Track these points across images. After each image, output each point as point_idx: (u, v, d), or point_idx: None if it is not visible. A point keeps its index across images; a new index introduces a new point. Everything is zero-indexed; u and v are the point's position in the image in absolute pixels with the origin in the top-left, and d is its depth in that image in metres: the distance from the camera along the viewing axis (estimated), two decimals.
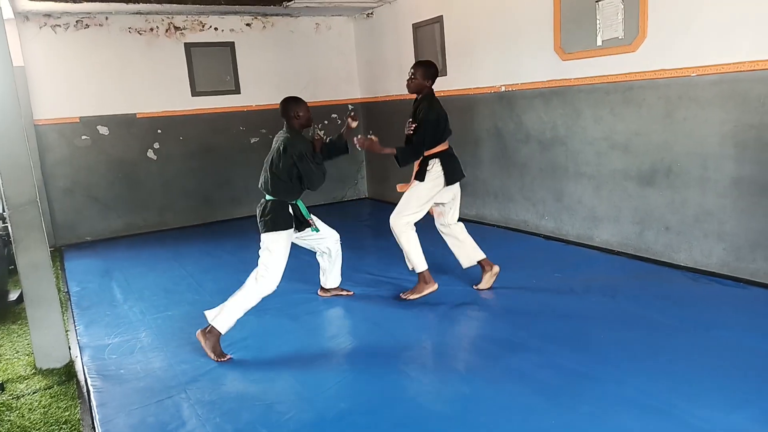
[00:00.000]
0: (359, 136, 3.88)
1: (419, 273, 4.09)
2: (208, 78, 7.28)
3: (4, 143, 3.29)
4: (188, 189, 7.34)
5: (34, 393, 3.21)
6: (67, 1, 5.73)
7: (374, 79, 7.96)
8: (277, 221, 3.56)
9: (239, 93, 7.47)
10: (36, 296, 3.43)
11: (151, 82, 6.96)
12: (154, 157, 7.11)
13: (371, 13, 7.74)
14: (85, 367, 3.43)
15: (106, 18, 6.66)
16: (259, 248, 3.58)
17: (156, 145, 7.10)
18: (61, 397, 3.15)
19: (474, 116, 6.22)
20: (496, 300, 4.09)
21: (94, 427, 2.80)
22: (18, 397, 3.17)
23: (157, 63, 6.97)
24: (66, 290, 4.96)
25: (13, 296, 4.70)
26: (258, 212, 3.65)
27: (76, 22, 6.53)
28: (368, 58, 8.01)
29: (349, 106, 8.15)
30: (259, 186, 3.71)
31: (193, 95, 7.19)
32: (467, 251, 4.21)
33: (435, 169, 3.94)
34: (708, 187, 4.21)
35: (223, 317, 3.37)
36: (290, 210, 3.65)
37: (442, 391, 2.91)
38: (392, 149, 3.91)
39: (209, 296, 4.50)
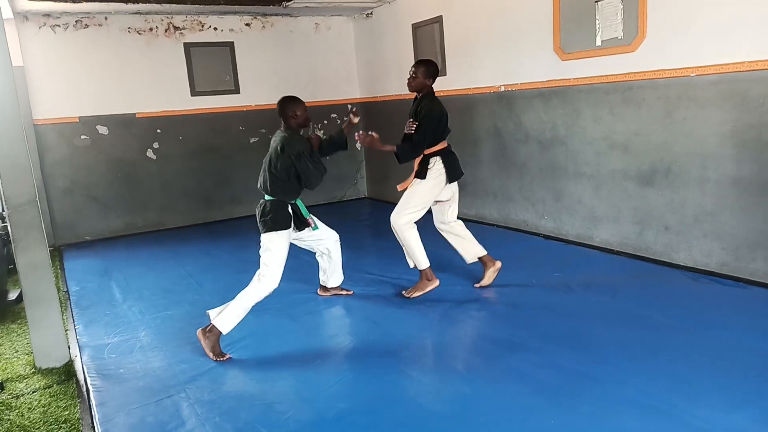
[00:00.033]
0: (360, 132, 3.89)
1: (421, 270, 4.09)
2: (208, 78, 7.28)
3: (4, 143, 3.29)
4: (188, 189, 7.33)
5: (33, 392, 3.21)
6: (66, 1, 5.72)
7: (374, 79, 7.95)
8: (277, 221, 3.57)
9: (239, 93, 7.46)
10: (35, 296, 3.43)
11: (150, 81, 6.96)
12: (154, 157, 7.11)
13: (371, 13, 7.74)
14: (84, 366, 3.43)
15: (106, 18, 6.66)
16: (259, 248, 3.58)
17: (155, 145, 7.10)
18: (61, 396, 3.15)
19: (473, 116, 6.22)
20: (496, 299, 4.09)
21: (93, 427, 2.80)
22: (17, 397, 3.17)
23: (157, 63, 6.97)
24: (65, 290, 4.96)
25: (12, 296, 4.70)
26: (257, 212, 3.65)
27: (76, 22, 6.53)
28: (368, 58, 8.01)
29: (349, 105, 8.15)
30: (258, 186, 3.71)
31: (192, 95, 7.19)
32: (469, 247, 4.23)
33: (437, 166, 3.96)
34: (707, 187, 4.21)
35: (225, 316, 3.38)
36: (290, 210, 3.65)
37: (442, 391, 2.90)
38: (392, 146, 3.93)
39: (208, 296, 4.50)
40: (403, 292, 4.19)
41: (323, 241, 4.00)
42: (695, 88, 4.18)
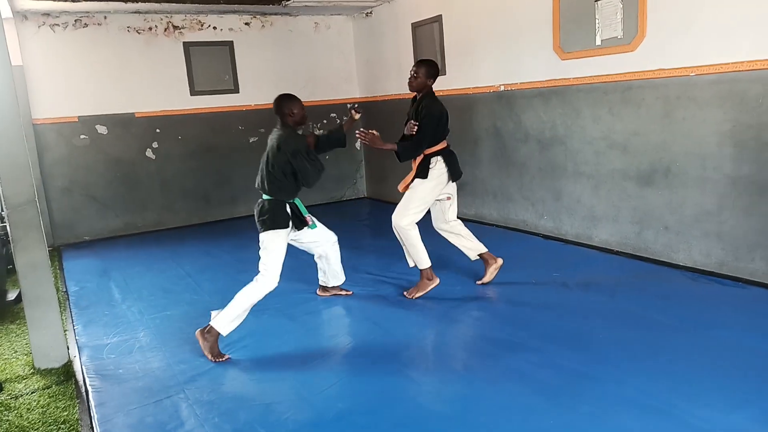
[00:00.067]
0: (361, 129, 3.90)
1: (422, 270, 4.10)
2: (207, 77, 7.27)
3: (3, 143, 3.28)
4: (187, 188, 7.33)
5: (32, 393, 3.20)
6: (65, 0, 5.72)
7: (373, 78, 7.95)
8: (276, 220, 3.56)
9: (238, 92, 7.46)
10: (34, 296, 3.42)
11: (149, 81, 6.95)
12: (153, 157, 7.10)
13: (370, 13, 7.73)
14: (83, 366, 3.43)
15: (105, 17, 6.65)
16: (258, 248, 3.58)
17: (155, 145, 7.09)
18: (60, 396, 3.14)
19: (473, 116, 6.22)
20: (496, 299, 4.09)
21: (92, 427, 2.79)
22: (16, 397, 3.16)
23: (156, 62, 6.96)
24: (64, 290, 4.95)
25: (11, 296, 4.69)
26: (256, 212, 3.64)
27: (75, 21, 6.52)
28: (367, 58, 8.00)
29: (348, 105, 8.15)
30: (256, 185, 3.70)
31: (191, 94, 7.18)
32: (470, 244, 4.25)
33: (438, 166, 3.97)
34: (707, 186, 4.21)
35: (223, 318, 3.37)
36: (288, 209, 3.64)
37: (442, 391, 2.90)
38: (393, 145, 3.93)
39: (208, 296, 4.50)
40: (405, 293, 4.19)
41: (320, 244, 3.98)
42: (694, 87, 4.18)
